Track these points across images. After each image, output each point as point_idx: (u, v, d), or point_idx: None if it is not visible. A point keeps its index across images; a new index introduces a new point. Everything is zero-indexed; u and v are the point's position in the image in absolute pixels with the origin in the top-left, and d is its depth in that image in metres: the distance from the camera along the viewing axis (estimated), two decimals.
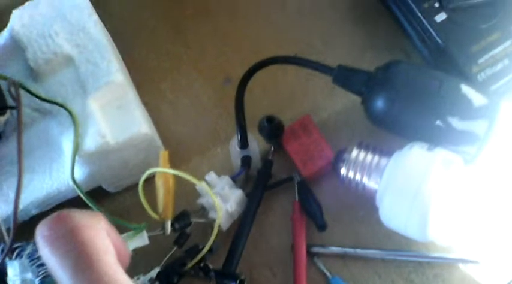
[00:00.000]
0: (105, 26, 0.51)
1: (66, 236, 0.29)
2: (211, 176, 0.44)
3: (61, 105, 0.42)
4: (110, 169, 0.44)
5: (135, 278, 0.39)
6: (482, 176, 0.41)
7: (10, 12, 0.47)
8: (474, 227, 0.40)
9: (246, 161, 0.46)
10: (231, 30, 0.55)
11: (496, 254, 0.42)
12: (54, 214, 0.30)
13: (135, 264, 0.37)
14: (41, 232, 0.30)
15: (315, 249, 0.44)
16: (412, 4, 0.48)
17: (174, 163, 0.48)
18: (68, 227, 0.29)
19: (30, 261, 0.36)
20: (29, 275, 0.35)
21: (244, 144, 0.46)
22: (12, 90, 0.40)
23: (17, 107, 0.40)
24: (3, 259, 0.37)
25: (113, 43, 0.50)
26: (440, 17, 0.47)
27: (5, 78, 0.41)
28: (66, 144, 0.43)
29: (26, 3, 0.48)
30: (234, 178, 0.45)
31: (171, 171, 0.39)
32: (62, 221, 0.30)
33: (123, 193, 0.48)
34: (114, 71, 0.44)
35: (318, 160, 0.46)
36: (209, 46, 0.54)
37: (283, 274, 0.44)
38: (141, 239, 0.39)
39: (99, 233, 0.30)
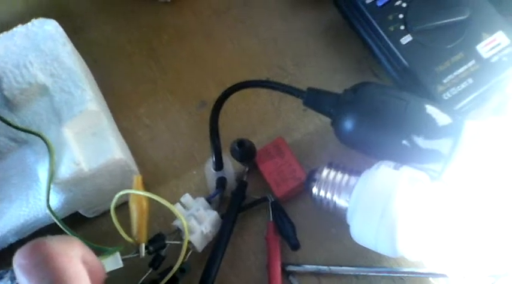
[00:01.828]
0: (82, 53, 0.52)
1: (40, 264, 0.31)
2: (186, 198, 0.45)
3: (36, 134, 0.43)
4: (85, 196, 0.45)
5: None
6: (448, 192, 0.42)
7: None
8: (442, 241, 0.42)
9: (221, 183, 0.47)
10: (206, 56, 0.56)
11: (464, 268, 0.43)
12: (30, 243, 0.32)
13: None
14: (18, 261, 0.31)
15: (290, 268, 0.45)
16: (378, 28, 0.50)
17: (151, 185, 0.49)
18: (43, 255, 0.31)
19: None
20: None
21: (219, 166, 0.47)
22: None
23: None
24: None
25: (89, 70, 0.51)
26: (406, 39, 0.49)
27: None
28: (42, 172, 0.43)
29: (1, 35, 0.49)
30: (209, 200, 0.46)
31: (142, 193, 0.40)
32: (36, 250, 0.31)
33: (100, 218, 0.49)
34: (88, 99, 0.45)
35: (291, 181, 0.47)
36: (184, 71, 0.56)
37: None
38: (115, 262, 0.39)
39: (72, 260, 0.32)
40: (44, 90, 0.46)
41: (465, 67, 0.48)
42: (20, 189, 0.44)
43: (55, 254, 0.31)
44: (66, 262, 0.31)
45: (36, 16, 0.51)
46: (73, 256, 0.32)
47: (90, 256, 0.34)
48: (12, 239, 0.44)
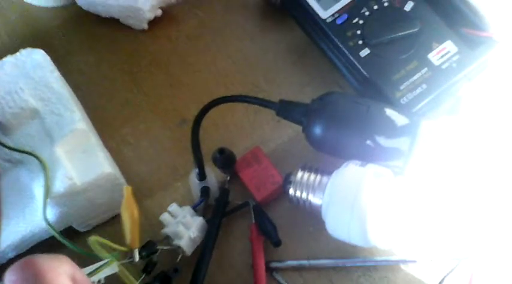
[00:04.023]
0: (66, 81, 0.56)
1: (29, 280, 0.32)
2: (173, 207, 0.49)
3: (30, 153, 0.46)
4: (78, 210, 0.48)
5: None
6: (410, 185, 0.46)
7: None
8: (408, 230, 0.46)
9: (205, 191, 0.50)
10: (182, 78, 0.60)
11: (431, 252, 0.48)
12: (20, 260, 0.34)
13: None
14: (8, 277, 0.33)
15: (273, 264, 0.48)
16: (339, 43, 0.55)
17: (138, 199, 0.52)
18: (32, 272, 0.33)
19: None
20: None
21: (202, 176, 0.51)
22: None
23: None
24: None
25: (74, 95, 0.54)
26: (364, 52, 0.54)
27: None
28: (37, 189, 0.46)
29: None
30: (194, 208, 0.50)
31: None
32: (26, 267, 0.33)
33: (92, 231, 0.52)
34: (77, 119, 0.49)
35: (269, 185, 0.51)
36: (164, 93, 0.59)
37: None
38: (112, 268, 0.42)
39: (60, 276, 0.33)
40: (35, 113, 0.49)
41: (419, 74, 0.53)
42: (17, 206, 0.47)
43: (44, 271, 0.32)
44: (55, 278, 0.33)
45: (21, 48, 0.54)
46: (62, 272, 0.33)
47: (80, 274, 0.36)
48: (11, 254, 0.47)
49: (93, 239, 0.41)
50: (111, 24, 0.64)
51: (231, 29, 0.63)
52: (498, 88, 0.53)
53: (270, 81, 0.59)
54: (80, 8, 0.64)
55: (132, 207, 0.44)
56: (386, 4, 0.55)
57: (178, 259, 0.46)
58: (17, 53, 0.53)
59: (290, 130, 0.55)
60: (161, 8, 0.62)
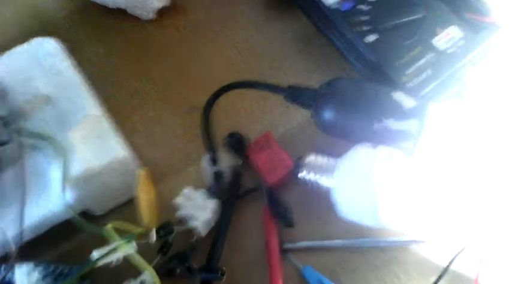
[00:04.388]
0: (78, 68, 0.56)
1: None
2: (188, 190, 0.50)
3: (46, 138, 0.47)
4: (95, 193, 0.49)
5: (126, 281, 0.44)
6: (421, 166, 0.47)
7: None
8: (419, 210, 0.47)
9: (217, 175, 0.51)
10: (191, 67, 0.61)
11: (441, 233, 0.49)
12: None
13: (126, 269, 0.42)
14: None
15: (286, 245, 0.49)
16: (344, 31, 0.56)
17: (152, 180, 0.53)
18: None
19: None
20: (36, 275, 0.39)
21: (214, 161, 0.51)
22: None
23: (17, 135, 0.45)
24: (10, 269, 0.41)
25: (86, 83, 0.55)
26: (370, 38, 0.55)
27: None
28: (54, 173, 0.47)
29: (5, 54, 0.53)
30: (208, 191, 0.50)
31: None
32: None
33: (108, 215, 0.52)
34: (90, 105, 0.50)
35: (281, 169, 0.52)
36: (172, 80, 0.60)
37: (260, 270, 0.49)
38: (128, 249, 0.43)
39: None
40: (48, 100, 0.50)
41: (424, 59, 0.54)
42: (34, 190, 0.47)
43: None
44: None
45: (29, 39, 0.55)
46: None
47: None
48: (28, 237, 0.47)
49: (110, 226, 0.42)
50: (118, 14, 0.64)
51: (236, 19, 0.64)
52: (502, 72, 0.54)
53: (276, 69, 0.60)
54: None
55: (148, 189, 0.45)
56: None
57: (193, 240, 0.47)
58: (28, 42, 0.53)
59: (299, 115, 0.56)
60: None
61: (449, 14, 0.55)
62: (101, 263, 0.42)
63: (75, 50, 0.62)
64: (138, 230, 0.43)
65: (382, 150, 0.47)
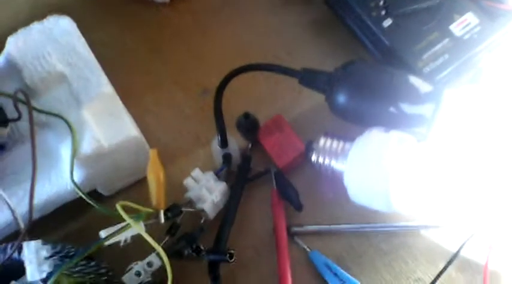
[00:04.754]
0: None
1: None
2: (196, 172, 0.49)
3: (57, 115, 0.47)
4: (104, 172, 0.49)
5: (134, 263, 0.44)
6: (433, 151, 0.47)
7: (5, 39, 0.53)
8: (431, 195, 0.46)
9: (227, 158, 0.51)
10: (204, 50, 0.61)
11: (452, 218, 0.48)
12: None
13: (133, 251, 0.42)
14: None
15: (294, 229, 0.49)
16: (362, 14, 0.55)
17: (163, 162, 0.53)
18: None
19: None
20: (44, 253, 0.39)
21: (224, 143, 0.51)
22: (21, 97, 0.45)
23: (29, 111, 0.46)
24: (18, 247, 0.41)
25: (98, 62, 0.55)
26: (387, 23, 0.54)
27: (8, 95, 0.46)
28: (64, 151, 0.47)
29: (20, 30, 0.53)
30: (217, 173, 0.50)
31: None
32: None
33: (116, 196, 0.53)
34: (104, 83, 0.49)
35: (291, 152, 0.51)
36: (186, 64, 0.60)
37: (267, 253, 0.49)
38: (136, 228, 0.43)
39: None
40: (62, 77, 0.50)
41: (441, 44, 0.53)
42: (43, 169, 0.47)
43: None
44: None
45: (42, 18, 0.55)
46: None
47: None
48: (36, 215, 0.47)
49: (119, 204, 0.42)
50: None
51: (252, 3, 0.63)
52: None
53: (291, 52, 0.59)
54: None
55: (158, 169, 0.44)
56: None
57: (201, 221, 0.47)
58: (44, 20, 0.53)
59: (311, 99, 0.56)
60: None
61: (467, 1, 0.54)
62: (108, 242, 0.42)
63: (88, 29, 0.62)
64: (146, 210, 0.43)
65: (395, 135, 0.46)
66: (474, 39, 0.53)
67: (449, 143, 0.47)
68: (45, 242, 0.42)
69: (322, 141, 0.49)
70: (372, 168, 0.45)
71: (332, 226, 0.49)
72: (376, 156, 0.45)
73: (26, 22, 0.55)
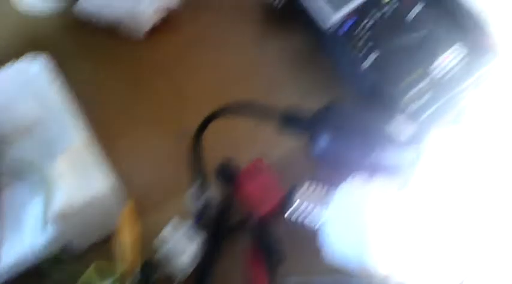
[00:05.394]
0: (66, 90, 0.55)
1: None
2: (172, 224, 0.48)
3: (30, 167, 0.45)
4: (78, 227, 0.47)
5: None
6: (415, 198, 0.45)
7: None
8: (410, 250, 0.44)
9: (205, 207, 0.49)
10: (184, 86, 0.59)
11: (433, 275, 0.46)
12: None
13: None
14: None
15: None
16: (344, 51, 0.54)
17: (138, 212, 0.51)
18: None
19: None
20: None
21: (202, 191, 0.49)
22: None
23: None
24: None
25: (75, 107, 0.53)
26: (369, 61, 0.53)
27: None
28: (34, 208, 0.45)
29: None
30: (194, 224, 0.49)
31: None
32: None
33: (89, 251, 0.50)
34: (78, 133, 0.48)
35: (272, 199, 0.50)
36: (164, 103, 0.58)
37: None
38: None
39: None
40: (35, 125, 0.48)
41: (425, 82, 0.52)
42: (10, 227, 0.45)
43: None
44: None
45: (15, 57, 0.53)
46: None
47: None
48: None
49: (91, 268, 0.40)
50: (109, 32, 0.62)
51: (233, 36, 0.62)
52: (503, 96, 0.52)
53: (271, 89, 0.58)
54: (76, 16, 0.63)
55: (132, 228, 0.43)
56: (390, 12, 0.54)
57: (176, 282, 0.45)
58: (17, 61, 0.52)
59: (291, 143, 0.53)
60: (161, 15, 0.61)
61: (451, 36, 0.53)
62: None
63: (63, 68, 0.60)
64: (120, 270, 0.42)
65: (377, 184, 0.44)
66: (459, 76, 0.52)
67: (431, 189, 0.46)
68: None
69: (303, 190, 0.47)
70: (350, 219, 0.43)
71: (313, 279, 0.47)
72: (355, 209, 0.43)
73: (3, 58, 0.53)
